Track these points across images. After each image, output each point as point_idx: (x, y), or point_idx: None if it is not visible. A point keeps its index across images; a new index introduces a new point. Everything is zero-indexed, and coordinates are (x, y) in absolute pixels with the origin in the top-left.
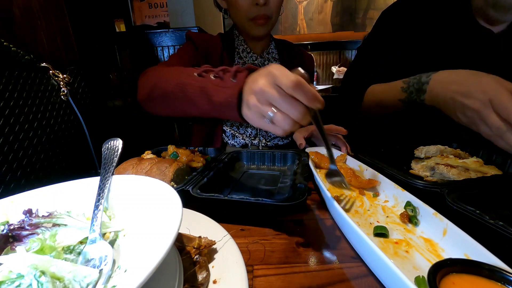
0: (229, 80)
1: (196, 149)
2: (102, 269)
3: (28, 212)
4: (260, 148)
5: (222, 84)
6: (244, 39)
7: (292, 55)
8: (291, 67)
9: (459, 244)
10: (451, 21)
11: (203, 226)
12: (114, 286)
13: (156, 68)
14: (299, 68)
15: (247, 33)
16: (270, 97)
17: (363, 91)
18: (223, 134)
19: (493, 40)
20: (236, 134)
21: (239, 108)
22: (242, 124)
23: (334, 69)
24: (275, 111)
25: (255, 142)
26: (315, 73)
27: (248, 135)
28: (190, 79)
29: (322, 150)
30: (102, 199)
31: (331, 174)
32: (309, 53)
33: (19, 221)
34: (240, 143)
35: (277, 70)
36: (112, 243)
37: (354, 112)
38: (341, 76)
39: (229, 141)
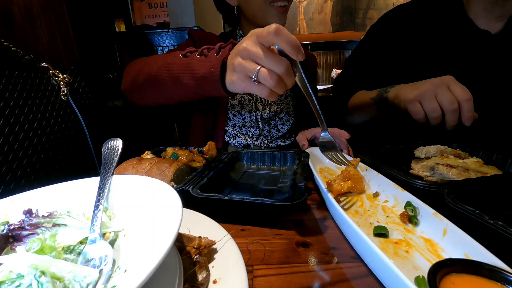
0: (213, 55)
1: (196, 149)
2: (102, 269)
3: (28, 212)
4: (262, 149)
5: (206, 59)
6: None
7: None
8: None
9: (459, 244)
10: (447, 25)
11: (203, 226)
12: (114, 286)
13: (142, 58)
14: None
15: (265, 22)
16: (253, 54)
17: (348, 97)
18: (225, 135)
19: (491, 41)
20: (238, 135)
21: (223, 80)
22: (245, 124)
23: (334, 72)
24: (259, 67)
25: (257, 142)
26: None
27: (250, 136)
28: (175, 59)
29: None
30: (102, 199)
31: (324, 145)
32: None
33: (19, 221)
34: (242, 143)
35: (257, 30)
36: (112, 243)
37: (340, 116)
38: None
39: (230, 142)
